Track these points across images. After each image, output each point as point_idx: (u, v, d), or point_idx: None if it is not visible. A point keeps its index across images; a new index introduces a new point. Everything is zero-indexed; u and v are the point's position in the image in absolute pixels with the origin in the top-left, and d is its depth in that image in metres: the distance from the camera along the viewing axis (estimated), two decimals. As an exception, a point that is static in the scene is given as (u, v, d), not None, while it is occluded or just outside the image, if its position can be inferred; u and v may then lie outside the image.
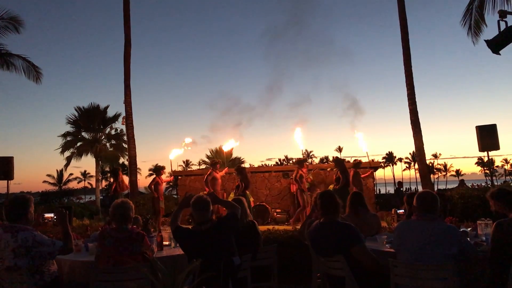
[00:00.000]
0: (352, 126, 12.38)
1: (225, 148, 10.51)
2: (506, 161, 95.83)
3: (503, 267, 2.93)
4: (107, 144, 22.45)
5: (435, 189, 16.40)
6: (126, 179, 10.95)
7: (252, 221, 4.18)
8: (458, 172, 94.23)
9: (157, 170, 9.88)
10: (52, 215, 6.56)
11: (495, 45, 5.20)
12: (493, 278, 3.09)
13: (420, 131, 12.25)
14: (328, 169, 11.27)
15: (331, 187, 9.34)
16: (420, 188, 14.52)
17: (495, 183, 8.04)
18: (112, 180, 10.18)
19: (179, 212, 3.56)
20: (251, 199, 10.55)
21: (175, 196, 14.52)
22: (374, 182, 12.09)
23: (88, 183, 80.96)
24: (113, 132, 22.46)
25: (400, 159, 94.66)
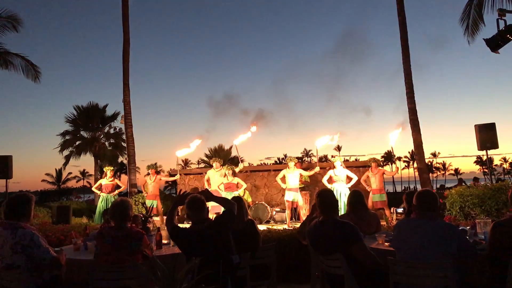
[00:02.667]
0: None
1: (236, 142, 10.30)
2: (505, 159, 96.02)
3: (501, 266, 2.94)
4: (106, 143, 22.42)
5: (434, 188, 16.38)
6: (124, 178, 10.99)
7: (251, 219, 4.18)
8: (457, 171, 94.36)
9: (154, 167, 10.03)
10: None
11: (494, 44, 5.21)
12: (492, 277, 3.09)
13: (419, 130, 12.25)
14: (327, 168, 11.27)
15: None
16: (419, 187, 14.52)
17: (494, 182, 8.05)
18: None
19: (174, 210, 3.55)
20: (249, 200, 10.57)
21: (174, 195, 14.51)
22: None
23: (87, 182, 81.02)
24: (112, 131, 22.42)
25: (399, 158, 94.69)
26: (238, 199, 4.17)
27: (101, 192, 9.77)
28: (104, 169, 10.45)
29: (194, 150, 10.20)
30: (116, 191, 9.89)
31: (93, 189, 10.10)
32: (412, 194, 3.47)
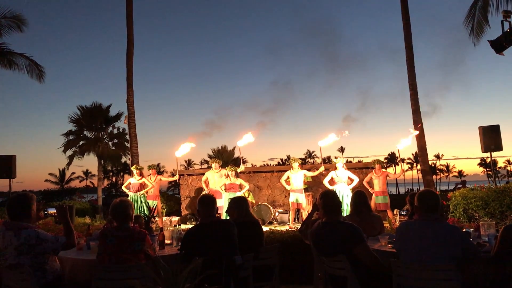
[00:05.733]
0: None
1: (240, 144, 10.17)
2: (509, 162, 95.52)
3: (507, 269, 2.91)
4: (110, 143, 22.43)
5: (438, 190, 16.31)
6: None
7: (255, 220, 4.17)
8: (460, 173, 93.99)
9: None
10: (54, 210, 6.54)
11: (499, 46, 5.20)
12: (496, 280, 3.07)
13: (423, 131, 12.23)
14: (330, 169, 11.25)
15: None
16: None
17: (498, 184, 7.98)
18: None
19: None
20: (253, 201, 10.57)
21: (177, 196, 14.50)
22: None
23: (90, 182, 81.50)
24: (115, 131, 22.43)
25: (403, 160, 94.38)
26: (239, 198, 4.18)
27: (129, 191, 9.29)
28: (131, 168, 10.11)
29: (197, 150, 10.23)
30: (143, 191, 9.30)
31: (123, 188, 9.60)
32: (415, 196, 3.45)
